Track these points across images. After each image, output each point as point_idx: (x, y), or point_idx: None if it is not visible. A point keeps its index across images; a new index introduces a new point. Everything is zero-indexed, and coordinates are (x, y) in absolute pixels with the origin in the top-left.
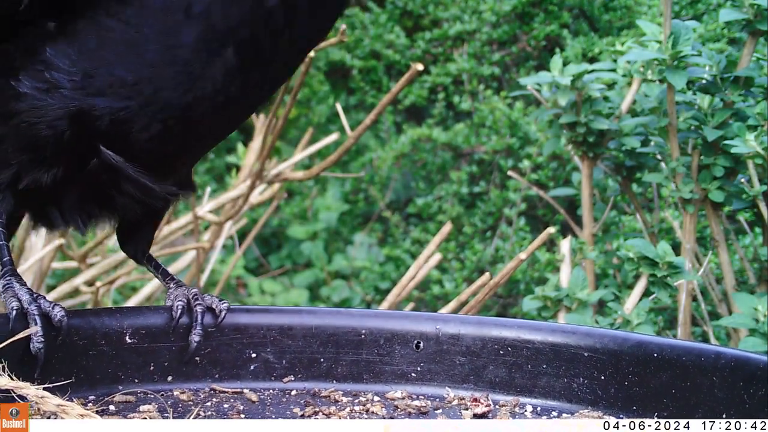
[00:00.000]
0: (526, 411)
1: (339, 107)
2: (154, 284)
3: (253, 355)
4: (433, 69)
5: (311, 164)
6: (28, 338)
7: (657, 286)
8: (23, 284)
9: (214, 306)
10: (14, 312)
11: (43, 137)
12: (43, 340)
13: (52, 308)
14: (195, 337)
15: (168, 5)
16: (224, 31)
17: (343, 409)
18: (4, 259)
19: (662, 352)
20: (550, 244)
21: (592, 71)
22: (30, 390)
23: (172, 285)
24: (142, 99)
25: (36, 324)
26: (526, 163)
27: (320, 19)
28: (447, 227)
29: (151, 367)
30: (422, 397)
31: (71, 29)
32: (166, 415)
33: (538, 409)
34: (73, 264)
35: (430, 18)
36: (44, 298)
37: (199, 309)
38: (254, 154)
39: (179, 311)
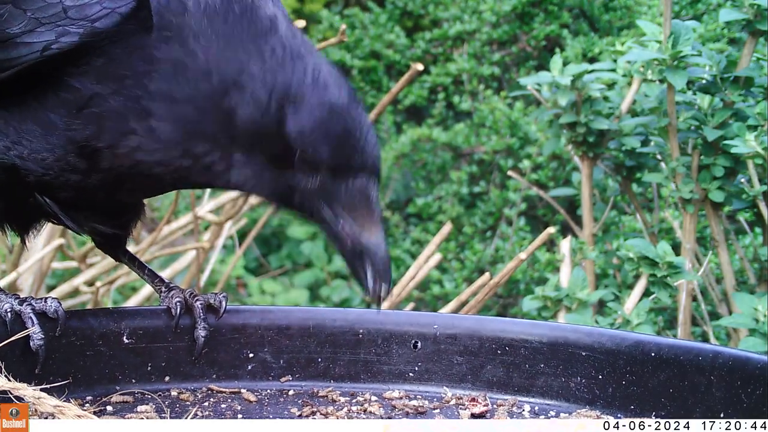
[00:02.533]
0: (524, 410)
1: None
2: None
3: (251, 355)
4: (433, 69)
5: None
6: (27, 338)
7: (657, 286)
8: (6, 292)
9: (211, 301)
10: (9, 314)
11: None
12: (42, 336)
13: (45, 302)
14: (201, 332)
15: (72, 105)
16: (90, 153)
17: (341, 409)
18: None
19: (660, 352)
20: (550, 244)
21: (592, 71)
22: (27, 391)
23: (163, 288)
24: (53, 173)
25: (32, 323)
26: (526, 163)
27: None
28: (447, 227)
29: (149, 368)
30: (420, 397)
31: (7, 103)
32: (163, 415)
33: (536, 408)
34: (73, 264)
35: (430, 18)
36: (32, 299)
37: (198, 304)
38: None
39: (179, 309)
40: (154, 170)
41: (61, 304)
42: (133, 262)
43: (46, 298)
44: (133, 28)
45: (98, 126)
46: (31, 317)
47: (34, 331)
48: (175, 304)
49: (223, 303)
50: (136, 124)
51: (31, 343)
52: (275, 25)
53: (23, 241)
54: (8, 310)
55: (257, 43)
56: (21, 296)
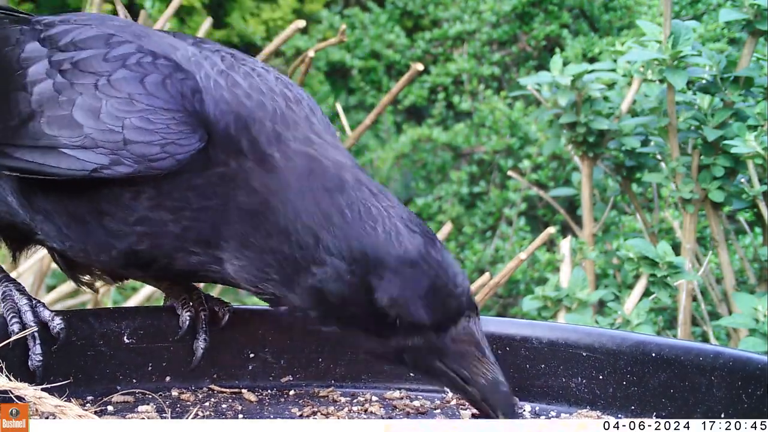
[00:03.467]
0: (524, 411)
1: (339, 107)
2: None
3: (252, 355)
4: (433, 69)
5: None
6: (26, 349)
7: (657, 286)
8: (22, 291)
9: (216, 308)
10: (15, 327)
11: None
12: (41, 359)
13: (52, 319)
14: (201, 344)
15: (120, 219)
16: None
17: (342, 409)
18: None
19: (661, 352)
20: (550, 244)
21: (592, 71)
22: (28, 390)
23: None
24: (78, 257)
25: (36, 341)
26: (526, 163)
27: None
28: (447, 227)
29: (150, 367)
30: (420, 397)
31: (39, 187)
32: (164, 415)
33: (537, 408)
34: None
35: (430, 18)
36: (43, 305)
37: (203, 315)
38: None
39: (187, 321)
40: (214, 277)
41: (65, 327)
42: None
43: (54, 316)
44: (191, 166)
45: (150, 242)
46: (34, 335)
47: (35, 352)
48: (185, 317)
49: (226, 317)
50: (198, 248)
51: (30, 363)
52: (343, 179)
53: (14, 259)
54: (15, 330)
55: (327, 207)
56: (31, 297)
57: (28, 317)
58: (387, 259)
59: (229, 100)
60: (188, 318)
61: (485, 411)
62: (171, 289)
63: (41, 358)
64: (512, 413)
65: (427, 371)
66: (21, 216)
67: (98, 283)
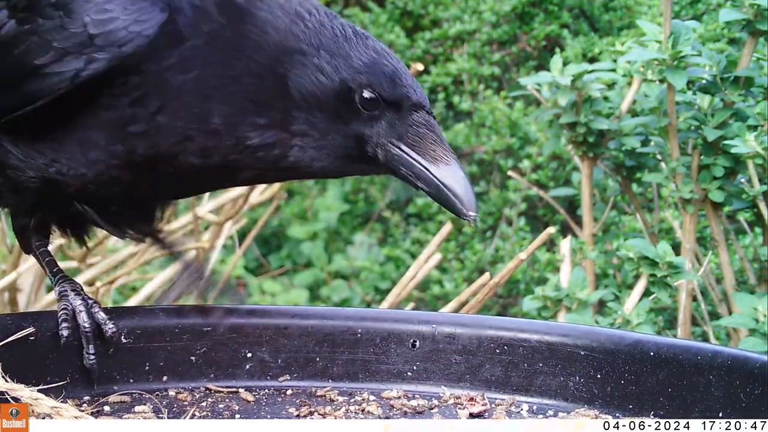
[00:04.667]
0: (522, 410)
1: None
2: (153, 284)
3: (249, 355)
4: (433, 69)
5: None
6: (26, 338)
7: (657, 286)
8: (77, 292)
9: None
10: (65, 335)
11: (25, 188)
12: (94, 359)
13: (105, 323)
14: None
15: (113, 124)
16: (141, 165)
17: (339, 409)
18: (54, 269)
19: (659, 351)
20: (550, 244)
21: (592, 71)
22: (24, 392)
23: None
24: (93, 186)
25: (89, 342)
26: (526, 163)
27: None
28: (447, 227)
29: (147, 367)
30: (418, 397)
31: (44, 125)
32: (161, 415)
33: (534, 407)
34: (73, 264)
35: (430, 18)
36: (98, 305)
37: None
38: None
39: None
40: (211, 168)
41: (118, 330)
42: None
43: (108, 319)
44: (163, 43)
45: (147, 141)
46: (88, 335)
47: (88, 351)
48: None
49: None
50: (189, 131)
51: (85, 362)
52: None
53: (83, 245)
54: (65, 336)
55: (295, 10)
56: (86, 298)
57: (83, 318)
58: (354, 45)
59: None
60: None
61: (445, 202)
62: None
63: (94, 358)
64: (468, 198)
65: (387, 158)
66: (39, 171)
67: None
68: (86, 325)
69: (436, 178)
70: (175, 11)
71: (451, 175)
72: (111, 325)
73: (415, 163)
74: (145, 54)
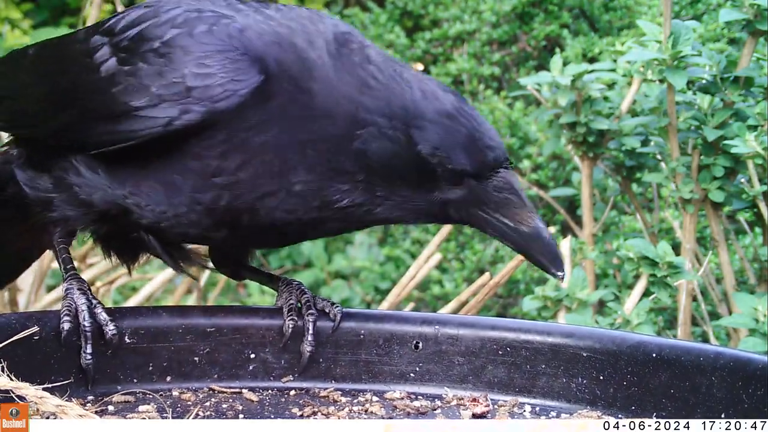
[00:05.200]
0: (525, 411)
1: None
2: (153, 284)
3: (252, 356)
4: (433, 69)
5: None
6: (30, 337)
7: (657, 286)
8: (83, 291)
9: (327, 310)
10: (66, 328)
11: (89, 205)
12: (91, 359)
13: (107, 324)
14: (307, 347)
15: (199, 173)
16: (223, 215)
17: (342, 410)
18: (68, 266)
19: (661, 352)
20: None
21: (592, 71)
22: (29, 390)
23: (282, 286)
24: (170, 224)
25: (87, 341)
26: (526, 163)
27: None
28: (447, 227)
29: (150, 367)
30: (421, 397)
31: (132, 161)
32: (165, 415)
33: (537, 409)
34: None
35: (430, 18)
36: (102, 307)
37: (310, 318)
38: None
39: (290, 329)
40: (290, 224)
41: (118, 333)
42: (254, 272)
43: (110, 321)
44: (254, 102)
45: (230, 193)
46: (87, 334)
47: (85, 350)
48: (287, 324)
49: (338, 316)
50: (270, 187)
51: (81, 361)
52: (367, 53)
53: (129, 270)
54: (66, 329)
55: (359, 75)
56: (91, 298)
57: (85, 317)
58: (426, 112)
59: (268, 30)
60: (291, 327)
61: (534, 260)
62: (282, 292)
63: (90, 358)
64: (555, 258)
65: (473, 223)
66: (113, 197)
67: (200, 271)
68: (86, 324)
69: (523, 241)
70: (268, 67)
71: (537, 239)
72: (112, 327)
73: (500, 226)
74: (237, 111)
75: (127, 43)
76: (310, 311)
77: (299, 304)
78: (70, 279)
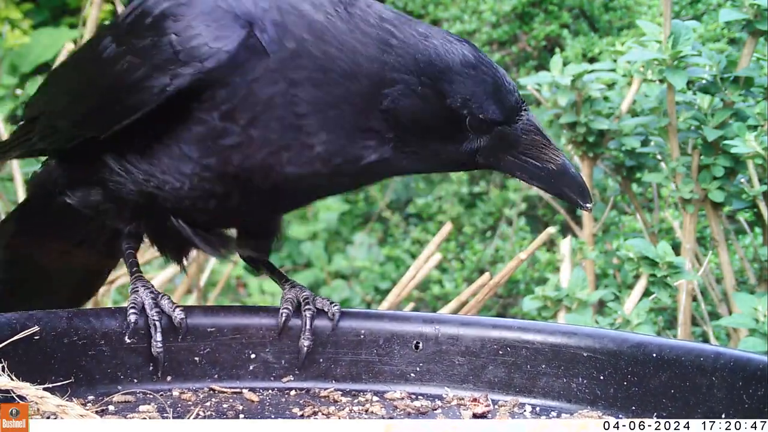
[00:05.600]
0: (525, 411)
1: None
2: (154, 284)
3: (253, 356)
4: None
5: None
6: (30, 337)
7: (657, 286)
8: (147, 287)
9: (325, 309)
10: (132, 320)
11: (125, 200)
12: (161, 346)
13: (174, 310)
14: (305, 342)
15: (205, 137)
16: (233, 178)
17: (343, 409)
18: (133, 269)
19: (662, 353)
20: (550, 244)
21: (592, 71)
22: (30, 390)
23: (286, 287)
24: (189, 201)
25: (156, 330)
26: None
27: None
28: (447, 227)
29: (151, 367)
30: (421, 398)
31: (142, 141)
32: (165, 415)
33: (538, 409)
34: None
35: (430, 18)
36: (168, 298)
37: (308, 314)
38: None
39: (284, 317)
40: (306, 182)
41: (186, 317)
42: (269, 268)
43: (176, 307)
44: (246, 57)
45: (241, 153)
46: (156, 324)
47: (156, 339)
48: (282, 312)
49: (337, 315)
50: (284, 141)
51: (152, 350)
52: (378, 11)
53: (182, 267)
54: (132, 321)
55: (378, 35)
56: (155, 292)
57: (152, 308)
58: (451, 65)
59: None
60: (284, 315)
61: (562, 196)
62: (286, 293)
63: (161, 346)
64: (583, 191)
65: (503, 168)
66: (139, 184)
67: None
68: (154, 314)
69: (552, 179)
70: (256, 27)
71: (565, 175)
72: (179, 312)
73: (528, 167)
74: (229, 68)
75: (126, 27)
76: (307, 307)
77: (298, 302)
78: (135, 280)
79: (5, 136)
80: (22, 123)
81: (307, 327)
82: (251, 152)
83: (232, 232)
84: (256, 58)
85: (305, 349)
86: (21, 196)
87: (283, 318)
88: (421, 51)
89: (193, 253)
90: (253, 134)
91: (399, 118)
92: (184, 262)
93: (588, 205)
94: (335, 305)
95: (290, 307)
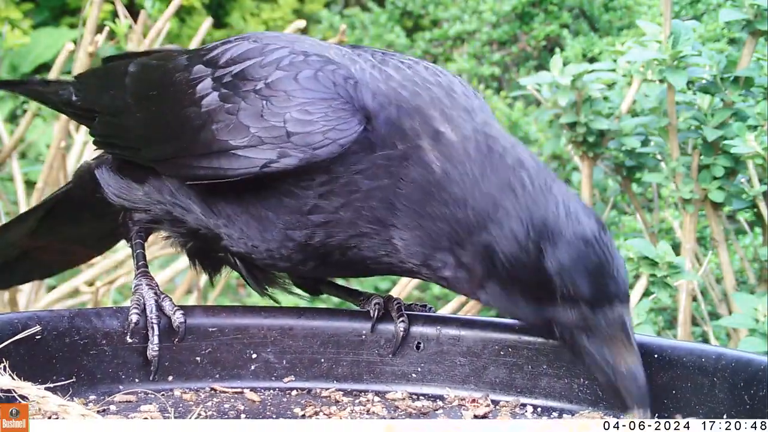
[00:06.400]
0: (526, 411)
1: None
2: None
3: (254, 356)
4: None
5: None
6: (32, 337)
7: (657, 286)
8: (151, 286)
9: (413, 306)
10: (134, 321)
11: (181, 221)
12: (157, 349)
13: (174, 312)
14: (400, 326)
15: (294, 210)
16: (314, 251)
17: (344, 410)
18: (140, 263)
19: (663, 353)
20: None
21: (592, 71)
22: (31, 390)
23: (361, 298)
24: (260, 256)
25: (154, 332)
26: None
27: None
28: None
29: (152, 368)
30: (423, 398)
31: (227, 193)
32: (166, 415)
33: (539, 409)
34: None
35: (430, 18)
36: (169, 299)
37: (396, 305)
38: None
39: (376, 310)
40: (381, 265)
41: (185, 321)
42: (331, 287)
43: (177, 310)
44: (354, 149)
45: (326, 231)
46: (154, 326)
47: (153, 341)
48: (374, 305)
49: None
50: (369, 229)
51: (148, 352)
52: (521, 158)
53: (211, 281)
54: (136, 310)
55: (508, 178)
56: (159, 292)
57: (153, 310)
58: (564, 232)
59: (386, 91)
60: (376, 306)
61: (618, 398)
62: (366, 303)
63: (158, 349)
64: (645, 403)
65: (572, 347)
66: (206, 223)
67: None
68: (154, 316)
69: (616, 380)
70: (372, 119)
71: (632, 381)
72: (179, 315)
73: (599, 359)
74: (337, 158)
75: (230, 78)
76: (396, 302)
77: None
78: (140, 276)
79: (5, 136)
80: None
81: (398, 314)
82: (336, 232)
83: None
84: (363, 152)
85: (401, 333)
86: (21, 196)
87: (375, 313)
88: (540, 206)
89: (224, 272)
90: (342, 217)
91: (492, 259)
92: (216, 279)
93: (639, 411)
94: (423, 304)
95: (380, 303)
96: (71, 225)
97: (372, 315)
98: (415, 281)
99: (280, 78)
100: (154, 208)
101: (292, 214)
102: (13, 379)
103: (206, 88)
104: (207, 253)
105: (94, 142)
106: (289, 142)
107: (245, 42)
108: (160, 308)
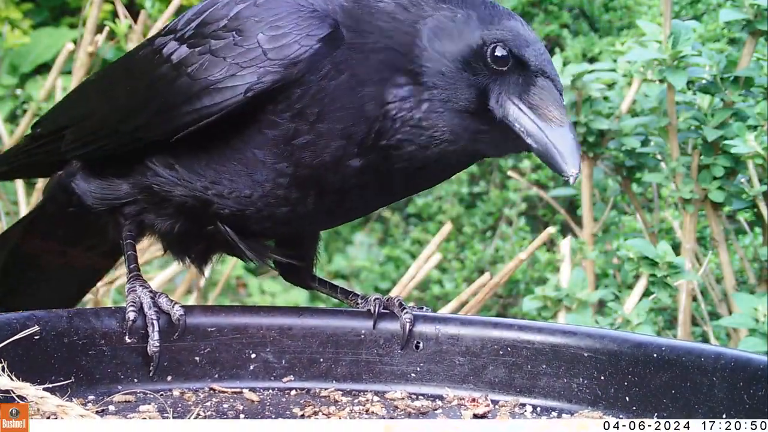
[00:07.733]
0: (526, 411)
1: None
2: (154, 284)
3: (253, 356)
4: None
5: None
6: (31, 337)
7: (657, 286)
8: (145, 286)
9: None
10: (131, 318)
11: (167, 200)
12: (158, 345)
13: (172, 307)
14: (406, 317)
15: (279, 140)
16: (308, 180)
17: (343, 409)
18: (131, 266)
19: (662, 353)
20: (550, 244)
21: (592, 71)
22: (30, 390)
23: (359, 300)
24: (254, 208)
25: (153, 328)
26: (526, 163)
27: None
28: (447, 227)
29: (151, 367)
30: (422, 398)
31: (208, 146)
32: (165, 415)
33: (538, 409)
34: None
35: None
36: (166, 296)
37: (396, 301)
38: None
39: (377, 306)
40: (369, 169)
41: (185, 314)
42: (325, 285)
43: (175, 304)
44: (323, 51)
45: (311, 151)
46: (153, 322)
47: (153, 338)
48: (374, 301)
49: (408, 324)
50: (349, 129)
51: (148, 348)
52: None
53: (201, 272)
54: (131, 318)
55: (434, 5)
56: (154, 290)
57: (150, 307)
58: (495, 16)
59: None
60: (376, 302)
61: (548, 160)
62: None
63: (158, 345)
64: (575, 160)
65: (504, 114)
66: (193, 189)
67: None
68: (152, 313)
69: (547, 137)
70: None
71: (562, 136)
72: (178, 308)
73: (530, 120)
74: (310, 65)
75: (193, 31)
76: (398, 298)
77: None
78: (132, 279)
79: (5, 136)
80: (34, 135)
81: (400, 309)
82: (320, 148)
83: (270, 242)
84: (329, 52)
85: (408, 325)
86: (21, 196)
87: (377, 309)
88: (469, 4)
89: (214, 260)
90: (321, 129)
91: (425, 38)
92: (207, 269)
93: (573, 171)
94: (407, 312)
95: (380, 299)
96: (51, 239)
97: (373, 311)
98: (416, 280)
99: (241, 9)
100: (140, 195)
101: (277, 145)
102: (12, 379)
103: (172, 47)
104: (195, 238)
105: (65, 153)
106: (267, 59)
107: (197, 5)
108: (157, 305)
